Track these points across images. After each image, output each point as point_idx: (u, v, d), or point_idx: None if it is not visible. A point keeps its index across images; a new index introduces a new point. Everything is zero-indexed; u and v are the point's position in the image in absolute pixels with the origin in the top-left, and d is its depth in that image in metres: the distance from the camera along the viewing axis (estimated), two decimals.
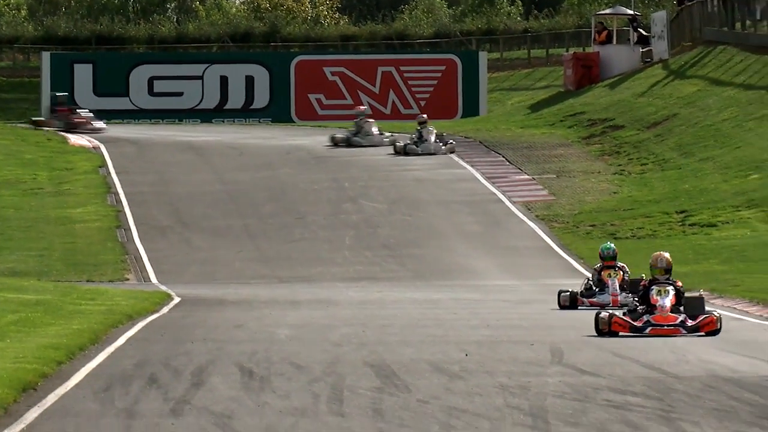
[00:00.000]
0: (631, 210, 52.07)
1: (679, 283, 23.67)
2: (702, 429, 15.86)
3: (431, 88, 77.07)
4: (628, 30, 77.47)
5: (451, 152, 58.12)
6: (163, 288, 39.86)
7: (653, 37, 75.06)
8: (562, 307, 28.40)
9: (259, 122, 75.90)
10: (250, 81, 77.63)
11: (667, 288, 23.28)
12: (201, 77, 78.67)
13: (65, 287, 38.69)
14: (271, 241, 49.48)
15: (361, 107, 63.46)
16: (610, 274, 28.26)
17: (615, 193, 55.34)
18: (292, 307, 35.07)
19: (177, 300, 35.90)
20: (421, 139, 59.00)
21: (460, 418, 16.74)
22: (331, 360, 22.78)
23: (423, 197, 54.24)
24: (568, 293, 28.41)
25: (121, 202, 55.26)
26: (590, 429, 15.90)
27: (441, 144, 58.93)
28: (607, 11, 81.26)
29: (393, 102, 76.50)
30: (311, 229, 50.82)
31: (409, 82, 76.84)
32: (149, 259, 46.72)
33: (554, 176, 57.65)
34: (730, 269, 41.40)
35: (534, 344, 24.79)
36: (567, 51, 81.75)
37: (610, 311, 23.97)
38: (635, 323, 22.48)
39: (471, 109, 75.83)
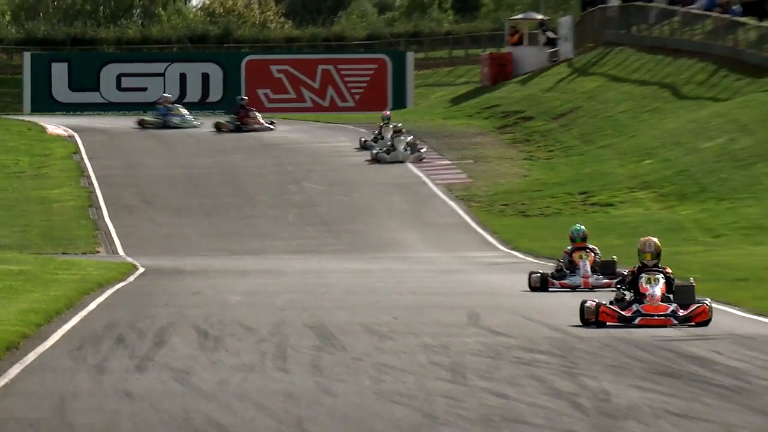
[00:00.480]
0: (539, 191, 52.18)
1: (669, 270, 20.61)
2: (600, 383, 16.01)
3: (365, 84, 76.69)
4: (538, 33, 77.06)
5: (420, 160, 54.33)
6: (130, 260, 39.80)
7: (560, 39, 74.60)
8: (533, 288, 25.98)
9: (214, 113, 72.74)
10: (206, 78, 77.18)
11: (657, 276, 20.18)
12: (163, 74, 77.80)
13: (43, 259, 38.83)
14: (224, 218, 49.38)
15: (386, 112, 58.81)
16: (581, 255, 26.10)
17: (525, 176, 55.64)
18: (242, 276, 35.23)
19: (142, 270, 35.81)
20: (384, 139, 56.02)
21: (389, 373, 16.92)
22: (277, 322, 22.89)
23: (357, 180, 54.28)
24: (539, 275, 26.11)
25: (92, 184, 55.04)
26: (502, 383, 16.05)
27: (410, 153, 55.08)
28: (519, 16, 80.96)
29: (331, 96, 76.10)
30: (259, 208, 50.76)
31: (345, 79, 76.59)
32: (117, 234, 46.50)
33: (472, 161, 57.79)
34: (626, 243, 39.35)
35: (453, 309, 24.87)
36: (484, 51, 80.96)
37: (597, 300, 20.90)
38: (624, 313, 19.46)
39: (399, 102, 74.95)
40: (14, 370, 17.59)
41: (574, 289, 24.70)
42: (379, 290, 30.37)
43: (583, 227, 26.97)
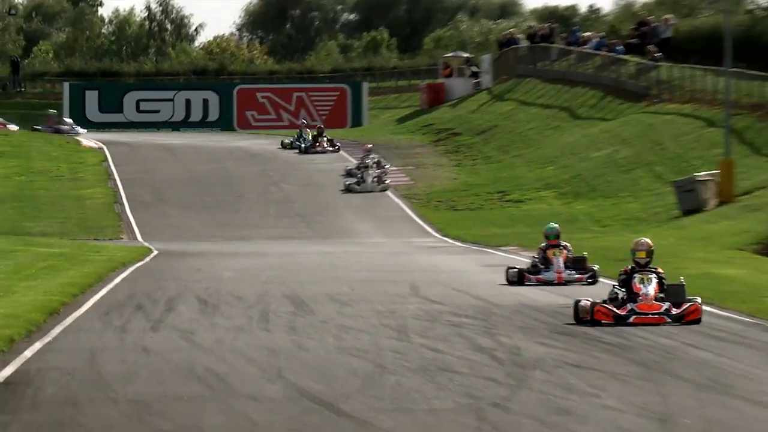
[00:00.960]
0: (465, 191, 51.34)
1: (661, 270, 17.50)
2: (513, 340, 16.27)
3: (329, 107, 75.19)
4: (464, 67, 77.02)
5: (385, 190, 50.41)
6: (146, 244, 39.53)
7: (481, 72, 73.93)
8: (510, 282, 22.83)
9: (212, 131, 73.51)
10: (206, 102, 75.49)
11: (650, 276, 17.20)
12: (172, 100, 76.41)
13: (79, 244, 38.80)
14: (220, 211, 48.50)
15: (368, 145, 52.89)
16: (555, 252, 23.05)
17: (455, 179, 54.47)
18: (234, 257, 34.87)
19: (155, 252, 35.59)
20: (362, 172, 51.37)
21: (348, 333, 17.16)
22: (261, 293, 22.94)
23: (324, 182, 53.02)
24: (516, 270, 23.05)
25: (117, 185, 54.32)
26: (436, 340, 16.29)
27: (377, 184, 50.46)
28: (450, 54, 79.31)
29: (303, 116, 74.95)
30: (247, 204, 50.25)
31: (315, 103, 75.55)
32: (136, 224, 46.14)
33: (414, 167, 56.87)
34: (533, 231, 38.59)
35: (398, 282, 24.99)
36: (422, 82, 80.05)
37: (591, 300, 18.36)
38: (619, 311, 16.61)
39: (357, 121, 74.11)
40: (55, 331, 17.87)
41: (548, 283, 22.03)
42: (340, 267, 30.30)
43: (556, 225, 23.97)
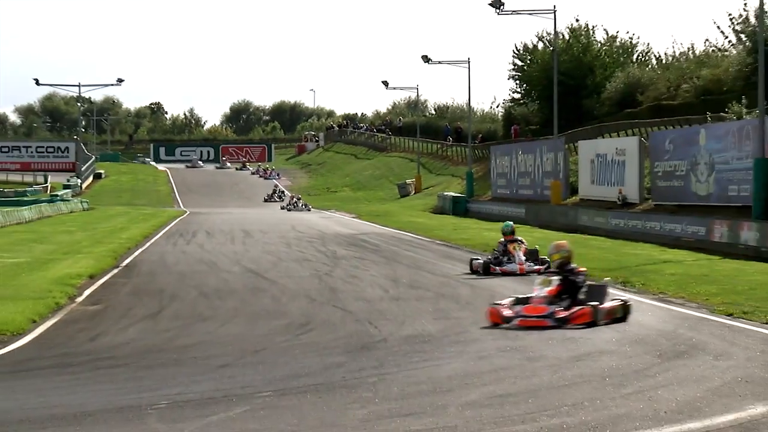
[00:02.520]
0: (314, 187, 70.07)
1: (579, 270, 13.49)
2: (332, 247, 24.12)
3: (258, 153, 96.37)
4: (312, 137, 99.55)
5: (309, 210, 52.23)
6: (184, 209, 50.93)
7: (319, 139, 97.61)
8: (474, 272, 19.90)
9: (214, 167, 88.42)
10: (202, 152, 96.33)
11: (551, 279, 13.34)
12: (194, 151, 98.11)
13: (154, 210, 49.60)
14: (218, 196, 63.47)
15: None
16: (515, 246, 20.18)
17: (309, 182, 73.54)
18: (220, 215, 44.54)
19: (188, 212, 46.52)
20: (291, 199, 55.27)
21: (266, 245, 25.14)
22: (230, 228, 30.72)
23: (257, 185, 69.31)
24: (481, 262, 20.11)
25: (173, 185, 71.00)
26: (301, 248, 23.94)
27: (303, 208, 53.13)
28: (307, 132, 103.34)
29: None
30: (235, 194, 65.53)
31: (252, 152, 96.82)
32: (181, 201, 60.75)
33: (292, 177, 76.66)
34: (341, 203, 56.19)
35: (286, 224, 33.41)
36: (295, 143, 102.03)
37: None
38: (505, 314, 12.98)
39: (270, 159, 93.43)
40: (139, 249, 24.23)
41: (512, 274, 19.38)
42: (263, 219, 38.66)
43: (511, 223, 21.09)
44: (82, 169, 69.41)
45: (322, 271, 19.50)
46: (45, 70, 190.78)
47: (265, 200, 59.79)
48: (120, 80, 64.86)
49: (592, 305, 12.69)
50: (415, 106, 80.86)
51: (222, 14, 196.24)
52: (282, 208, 52.39)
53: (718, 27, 55.71)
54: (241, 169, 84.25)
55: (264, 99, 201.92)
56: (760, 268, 19.94)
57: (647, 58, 54.30)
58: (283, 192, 60.96)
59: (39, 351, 11.45)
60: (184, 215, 44.74)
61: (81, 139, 75.89)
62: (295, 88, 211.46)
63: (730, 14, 44.89)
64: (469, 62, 51.02)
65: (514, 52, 56.60)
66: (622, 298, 13.51)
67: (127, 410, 7.97)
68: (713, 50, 46.63)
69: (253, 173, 79.33)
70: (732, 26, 42.87)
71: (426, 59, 52.88)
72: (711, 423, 7.33)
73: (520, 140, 50.57)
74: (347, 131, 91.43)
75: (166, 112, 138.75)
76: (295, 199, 53.16)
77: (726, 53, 44.27)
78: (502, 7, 38.73)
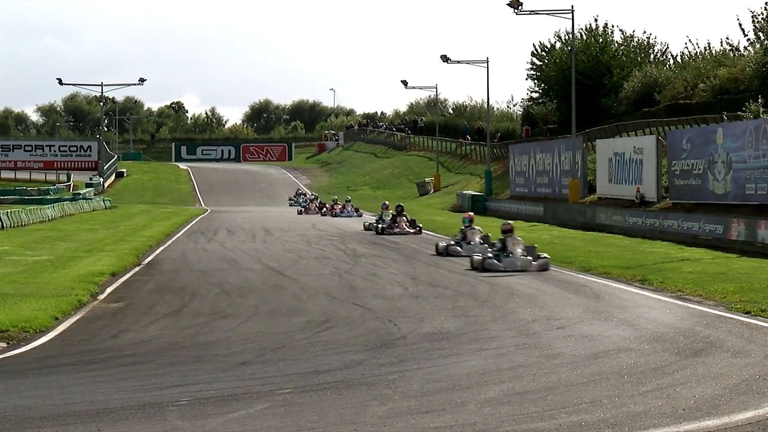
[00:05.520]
0: (334, 185, 69.18)
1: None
2: (353, 245, 24.60)
3: (279, 152, 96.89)
4: (332, 136, 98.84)
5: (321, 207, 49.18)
6: (206, 207, 52.08)
7: (339, 138, 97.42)
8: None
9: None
10: (223, 152, 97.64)
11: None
12: (215, 150, 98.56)
13: (178, 207, 51.22)
14: (237, 194, 64.04)
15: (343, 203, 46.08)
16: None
17: (329, 180, 74.02)
18: (241, 213, 45.09)
19: (209, 210, 47.68)
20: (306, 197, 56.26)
21: (286, 243, 24.94)
22: (257, 227, 30.80)
23: (278, 182, 70.19)
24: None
25: (194, 184, 71.70)
26: (322, 246, 24.41)
27: (317, 206, 49.69)
28: (326, 131, 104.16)
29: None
30: (256, 192, 65.72)
31: (273, 150, 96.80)
32: (202, 200, 61.08)
33: (312, 176, 77.09)
34: (361, 201, 53.07)
35: (306, 224, 33.69)
36: (315, 142, 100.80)
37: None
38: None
39: (290, 158, 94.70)
40: (161, 247, 25.05)
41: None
42: (284, 217, 39.28)
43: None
44: (105, 167, 70.01)
45: (342, 269, 19.60)
46: (68, 71, 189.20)
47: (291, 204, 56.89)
48: (142, 80, 64.53)
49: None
50: (434, 105, 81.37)
51: (242, 15, 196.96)
52: (322, 213, 44.84)
53: (740, 24, 53.99)
54: (294, 205, 57.49)
55: (284, 98, 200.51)
56: None
57: (664, 57, 54.32)
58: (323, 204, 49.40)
59: (61, 348, 11.53)
60: (206, 213, 45.02)
61: (103, 139, 76.70)
62: (315, 87, 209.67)
63: (752, 11, 45.08)
64: (487, 62, 50.91)
65: (533, 52, 56.71)
66: None
67: (148, 407, 8.02)
68: (730, 49, 46.67)
69: (320, 212, 48.11)
70: (754, 24, 42.79)
71: (445, 59, 52.64)
72: (729, 420, 7.35)
73: (539, 139, 50.59)
74: (367, 130, 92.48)
75: (187, 112, 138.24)
76: (339, 206, 44.78)
77: (741, 53, 44.46)
78: (520, 7, 38.55)
